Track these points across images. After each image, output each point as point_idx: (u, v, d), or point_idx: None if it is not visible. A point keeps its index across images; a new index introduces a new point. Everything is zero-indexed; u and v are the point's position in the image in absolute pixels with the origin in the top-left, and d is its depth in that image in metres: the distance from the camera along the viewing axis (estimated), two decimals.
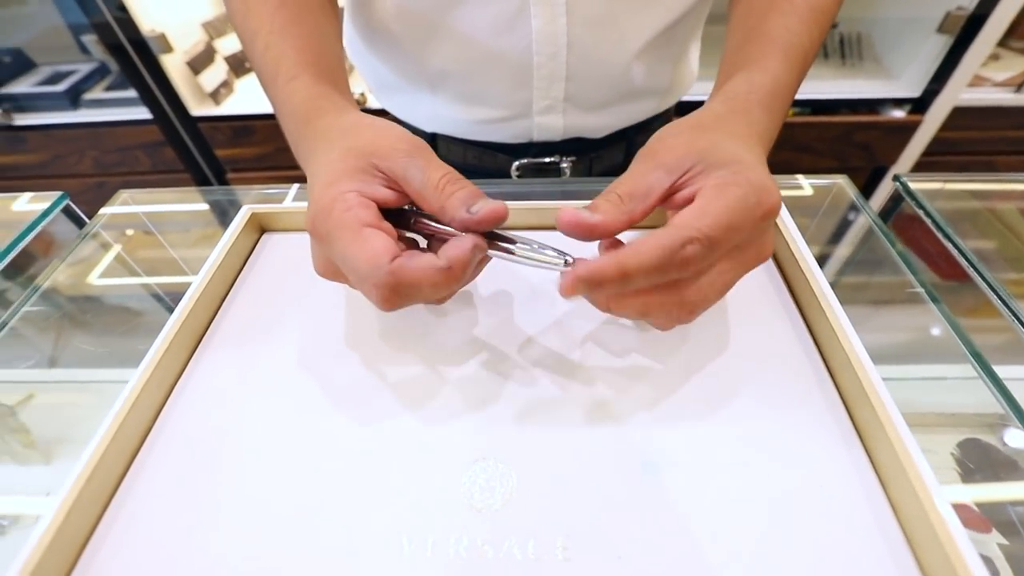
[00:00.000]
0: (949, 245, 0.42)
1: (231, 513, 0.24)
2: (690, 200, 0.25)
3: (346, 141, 0.27)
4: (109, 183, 1.47)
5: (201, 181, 1.43)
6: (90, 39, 1.34)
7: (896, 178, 0.48)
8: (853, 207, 0.45)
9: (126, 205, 0.50)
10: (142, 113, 1.29)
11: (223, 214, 0.51)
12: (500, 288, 0.34)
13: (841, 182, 0.47)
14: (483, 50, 0.44)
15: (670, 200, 0.25)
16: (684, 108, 0.50)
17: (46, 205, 0.47)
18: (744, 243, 0.24)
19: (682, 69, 0.52)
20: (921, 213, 0.45)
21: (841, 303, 0.29)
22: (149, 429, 0.27)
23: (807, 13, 0.35)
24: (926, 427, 0.29)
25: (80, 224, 0.49)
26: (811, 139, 1.29)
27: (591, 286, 0.22)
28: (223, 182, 1.45)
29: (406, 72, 0.50)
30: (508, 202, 0.39)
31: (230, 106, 1.31)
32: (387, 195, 0.26)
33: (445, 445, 0.26)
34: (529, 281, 0.34)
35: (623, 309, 0.25)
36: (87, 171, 1.46)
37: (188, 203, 0.54)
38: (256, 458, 0.26)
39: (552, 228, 0.39)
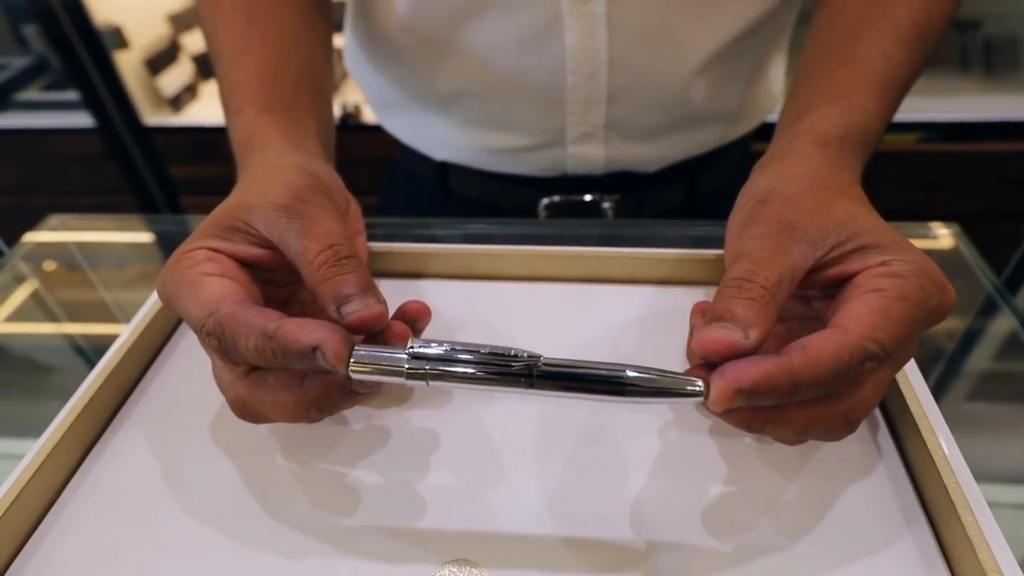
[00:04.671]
0: None
1: None
2: (838, 281, 0.26)
3: (236, 193, 0.31)
4: (30, 203, 1.59)
5: (147, 205, 1.53)
6: (31, 29, 1.49)
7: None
8: (966, 267, 0.47)
9: (56, 231, 0.55)
10: (83, 120, 1.41)
11: (172, 248, 0.56)
12: None
13: (950, 232, 0.49)
14: (505, 68, 0.49)
15: (811, 278, 0.27)
16: (763, 134, 0.54)
17: None
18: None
19: (758, 89, 0.56)
20: None
21: (941, 404, 0.30)
22: (40, 519, 0.29)
23: (909, 34, 0.38)
24: None
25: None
26: (945, 174, 1.31)
27: (755, 395, 0.22)
28: (175, 207, 1.55)
29: (413, 90, 0.55)
30: (534, 247, 0.43)
31: (192, 115, 1.43)
32: (256, 253, 0.29)
33: (411, 546, 0.28)
34: None
35: (784, 427, 0.24)
36: (6, 186, 1.59)
37: (131, 233, 0.59)
38: (178, 557, 0.28)
39: (590, 281, 0.42)
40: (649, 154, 0.55)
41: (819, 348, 0.23)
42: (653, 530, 0.29)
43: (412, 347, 0.25)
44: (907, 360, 0.27)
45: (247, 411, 0.28)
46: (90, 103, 1.37)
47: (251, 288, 0.28)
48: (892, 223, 0.49)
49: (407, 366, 0.24)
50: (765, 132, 0.59)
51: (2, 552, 0.28)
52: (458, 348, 0.24)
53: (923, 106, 1.29)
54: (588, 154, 0.54)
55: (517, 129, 0.53)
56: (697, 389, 0.23)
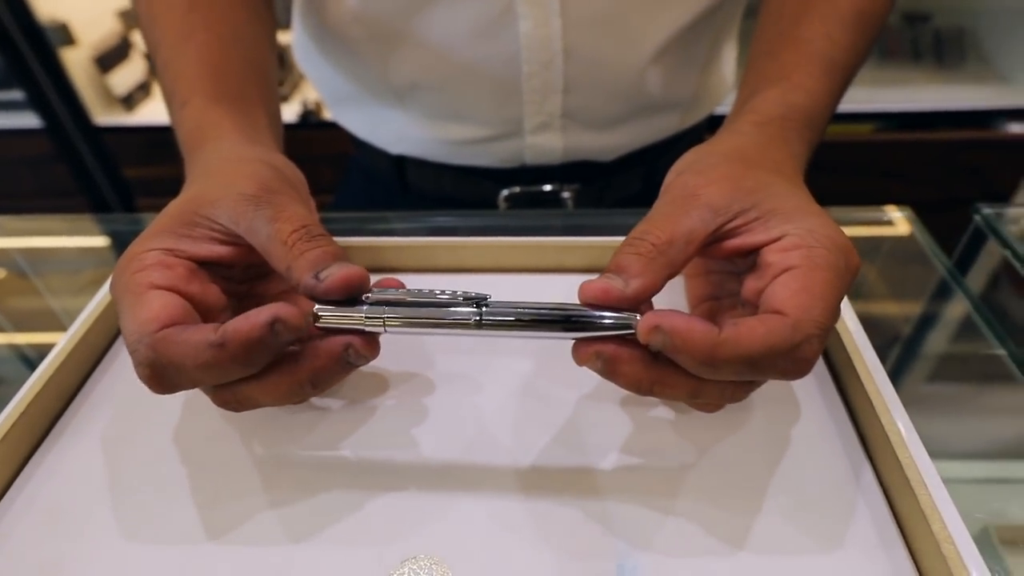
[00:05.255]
0: None
1: None
2: (742, 251, 0.27)
3: (193, 187, 0.30)
4: None
5: (100, 207, 1.49)
6: None
7: (976, 210, 0.51)
8: (920, 251, 0.48)
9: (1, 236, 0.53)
10: (29, 120, 1.36)
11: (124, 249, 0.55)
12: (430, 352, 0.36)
13: (902, 215, 0.50)
14: (460, 58, 0.48)
15: (716, 247, 0.27)
16: (717, 122, 0.55)
17: None
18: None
19: (712, 76, 0.57)
20: (1010, 256, 0.48)
21: (898, 385, 0.30)
22: None
23: (851, 19, 0.39)
24: (1017, 545, 0.30)
25: None
26: (902, 162, 1.34)
27: (672, 344, 0.23)
28: (130, 208, 1.51)
29: (367, 83, 0.54)
30: (495, 238, 0.42)
31: (146, 114, 1.39)
32: (218, 251, 0.28)
33: (369, 541, 0.27)
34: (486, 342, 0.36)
35: (669, 390, 0.25)
36: None
37: (79, 235, 0.57)
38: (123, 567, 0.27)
39: (552, 271, 0.42)
40: (607, 142, 0.55)
41: (750, 330, 0.23)
42: (623, 524, 0.28)
43: (368, 296, 0.26)
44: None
45: (234, 399, 0.27)
46: (36, 103, 1.32)
47: (192, 306, 0.27)
48: (848, 208, 0.51)
49: (365, 311, 0.26)
50: (719, 119, 0.60)
51: None
52: (412, 292, 0.26)
53: (877, 97, 1.33)
54: (546, 144, 0.53)
55: (474, 120, 0.53)
56: (630, 322, 0.25)
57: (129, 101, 1.38)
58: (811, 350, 0.24)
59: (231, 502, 0.29)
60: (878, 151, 1.34)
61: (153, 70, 1.45)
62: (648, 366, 0.25)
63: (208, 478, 0.30)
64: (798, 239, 0.26)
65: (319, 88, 0.60)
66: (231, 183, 0.29)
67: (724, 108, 0.59)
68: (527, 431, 0.32)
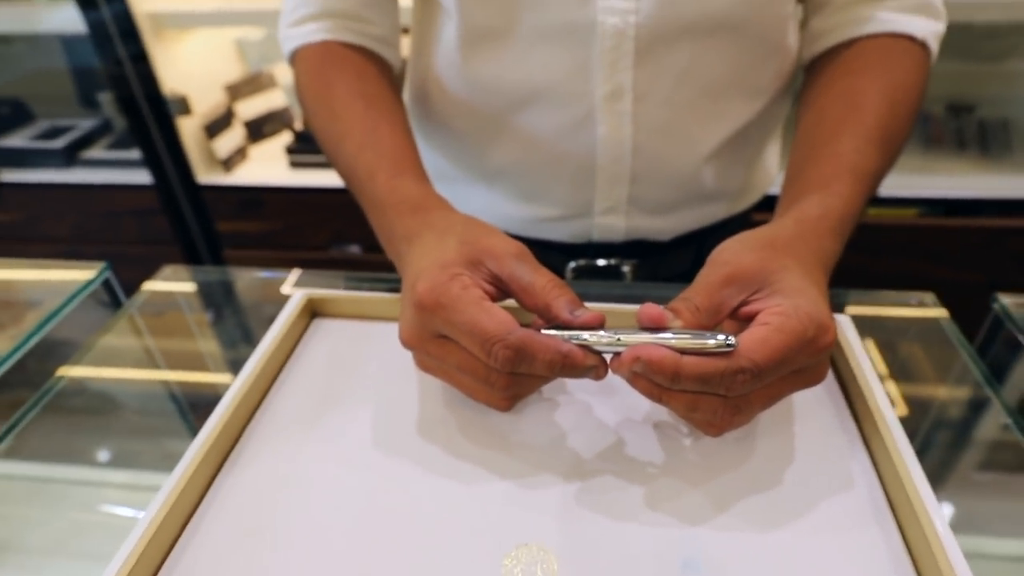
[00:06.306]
0: None
1: None
2: (749, 318, 0.36)
3: (460, 235, 0.40)
4: (85, 251, 1.71)
5: (192, 256, 1.64)
6: (105, 96, 1.65)
7: (993, 299, 0.57)
8: (940, 331, 0.54)
9: (168, 281, 0.64)
10: (141, 177, 1.54)
11: (227, 294, 0.65)
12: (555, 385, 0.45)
13: (927, 300, 0.57)
14: (546, 151, 0.58)
15: (737, 313, 0.37)
16: (769, 203, 0.63)
17: (76, 275, 0.62)
18: (798, 370, 0.35)
19: (757, 170, 0.66)
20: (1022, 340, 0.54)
21: (922, 457, 0.36)
22: (181, 531, 0.36)
23: (878, 136, 0.47)
24: None
25: (116, 300, 0.63)
26: (948, 247, 1.39)
27: (648, 368, 0.33)
28: (218, 258, 1.66)
29: (463, 165, 0.64)
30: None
31: (241, 175, 1.55)
32: (488, 289, 0.38)
33: (489, 528, 0.36)
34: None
35: (672, 401, 0.35)
36: (62, 236, 1.71)
37: (230, 282, 0.68)
38: (297, 555, 0.35)
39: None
40: (664, 225, 0.63)
41: (701, 358, 0.33)
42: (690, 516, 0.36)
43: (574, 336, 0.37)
44: (807, 383, 0.37)
45: (520, 387, 0.38)
46: (150, 162, 1.50)
47: None
48: (876, 291, 0.57)
49: (606, 335, 0.36)
50: (764, 204, 0.68)
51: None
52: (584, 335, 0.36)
53: (923, 183, 1.39)
54: (611, 224, 0.62)
55: (552, 202, 0.62)
56: (722, 341, 0.33)
57: (228, 163, 1.54)
58: (741, 381, 0.33)
59: (395, 486, 0.39)
60: (923, 235, 1.39)
61: (250, 136, 1.62)
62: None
63: (367, 480, 0.39)
64: (782, 309, 0.35)
65: None
66: (499, 244, 0.40)
67: (771, 191, 0.67)
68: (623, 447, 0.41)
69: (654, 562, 0.34)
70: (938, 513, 0.33)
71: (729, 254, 0.38)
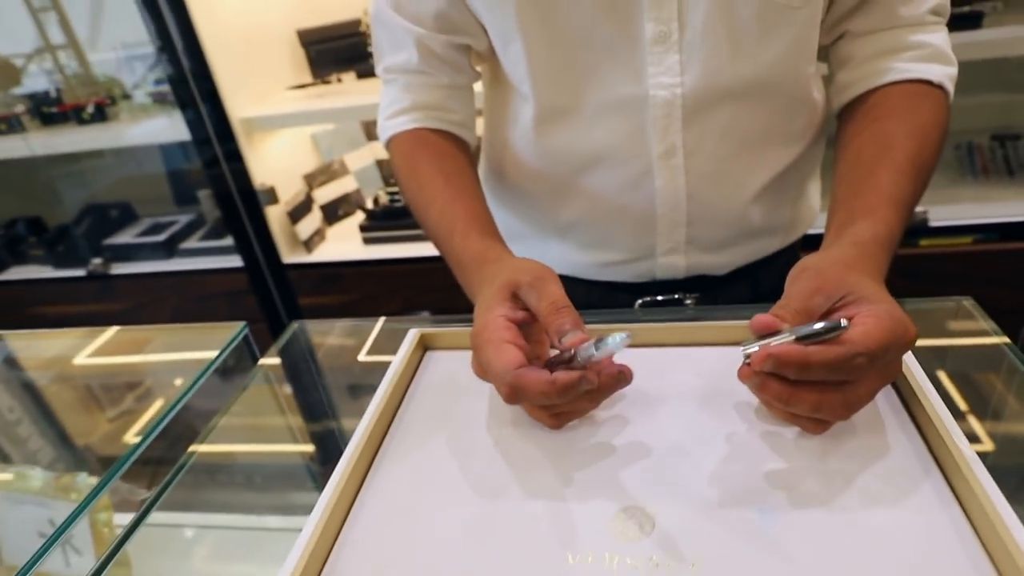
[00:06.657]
0: None
1: None
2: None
3: (501, 278, 0.49)
4: None
5: (278, 331, 1.79)
6: (203, 193, 1.85)
7: None
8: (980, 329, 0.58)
9: (296, 340, 0.74)
10: (233, 261, 1.71)
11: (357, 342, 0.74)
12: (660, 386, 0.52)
13: (967, 304, 0.61)
14: (610, 204, 0.67)
15: (825, 316, 0.43)
16: (813, 241, 0.70)
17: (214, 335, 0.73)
18: (889, 362, 0.42)
19: (802, 207, 0.73)
20: None
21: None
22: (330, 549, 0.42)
23: (910, 169, 0.54)
24: None
25: (254, 358, 0.74)
26: (1003, 270, 1.41)
27: (779, 361, 0.38)
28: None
29: (536, 223, 0.74)
30: (637, 325, 0.59)
31: (320, 253, 1.70)
32: (524, 316, 0.47)
33: (599, 493, 0.44)
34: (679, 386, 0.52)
35: (798, 402, 0.40)
36: (163, 319, 1.88)
37: (353, 336, 0.78)
38: (438, 554, 0.41)
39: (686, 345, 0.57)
40: (720, 261, 0.71)
41: (826, 347, 0.39)
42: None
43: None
44: (892, 377, 0.43)
45: (557, 415, 0.48)
46: (241, 247, 1.66)
47: (525, 348, 0.46)
48: (917, 300, 0.63)
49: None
50: (807, 243, 0.75)
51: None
52: None
53: (976, 212, 1.42)
54: (672, 263, 0.70)
55: (618, 248, 0.71)
56: (840, 324, 0.39)
57: (308, 243, 1.69)
58: (860, 363, 0.39)
59: (517, 465, 0.48)
60: (979, 261, 1.41)
61: (326, 219, 1.78)
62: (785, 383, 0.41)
63: (494, 479, 0.47)
64: (873, 311, 0.41)
65: None
66: (519, 275, 0.48)
67: (814, 230, 0.74)
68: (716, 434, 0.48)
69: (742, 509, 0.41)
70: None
71: (812, 271, 0.45)
